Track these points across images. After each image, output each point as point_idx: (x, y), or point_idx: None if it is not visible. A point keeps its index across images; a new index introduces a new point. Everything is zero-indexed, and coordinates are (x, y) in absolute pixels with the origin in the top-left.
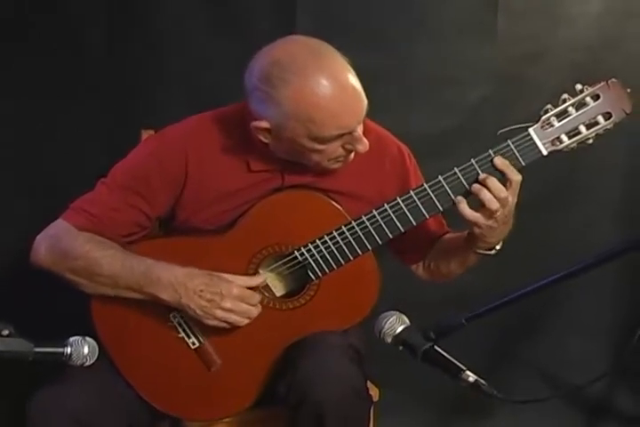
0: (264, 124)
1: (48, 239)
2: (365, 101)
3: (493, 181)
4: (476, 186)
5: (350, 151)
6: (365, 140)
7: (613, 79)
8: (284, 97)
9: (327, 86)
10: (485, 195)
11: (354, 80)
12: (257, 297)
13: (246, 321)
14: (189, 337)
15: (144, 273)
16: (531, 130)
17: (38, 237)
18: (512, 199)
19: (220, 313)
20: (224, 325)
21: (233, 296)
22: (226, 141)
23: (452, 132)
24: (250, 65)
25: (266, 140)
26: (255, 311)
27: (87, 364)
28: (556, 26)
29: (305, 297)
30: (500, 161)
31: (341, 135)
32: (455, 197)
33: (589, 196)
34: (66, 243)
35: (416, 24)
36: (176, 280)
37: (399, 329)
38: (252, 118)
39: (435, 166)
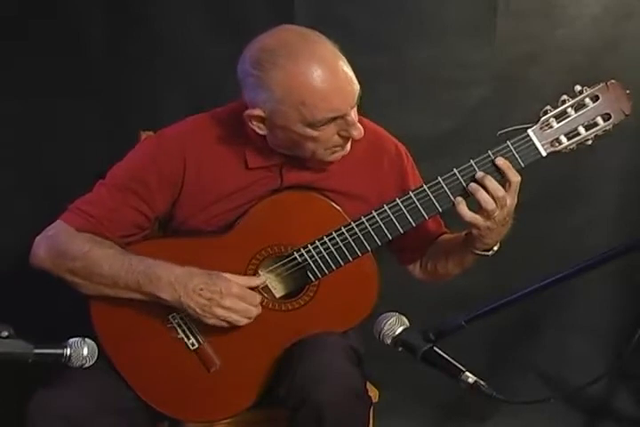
0: (257, 111)
1: (47, 240)
2: (357, 86)
3: (491, 180)
4: (472, 185)
5: (346, 139)
6: (359, 125)
7: (612, 80)
8: (275, 81)
9: (317, 69)
10: (482, 195)
11: (344, 64)
12: (257, 297)
13: (246, 321)
14: (189, 338)
15: (144, 272)
16: (530, 131)
17: (37, 238)
18: (511, 201)
19: (220, 311)
20: (223, 324)
21: (233, 295)
22: (223, 140)
23: (452, 133)
24: (242, 54)
25: (261, 132)
26: (255, 311)
27: (87, 365)
28: (554, 27)
29: (304, 298)
30: (501, 161)
31: (334, 119)
32: (454, 197)
33: (589, 197)
34: (64, 244)
35: (416, 25)
36: (176, 279)
37: (399, 330)
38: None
39: (434, 167)
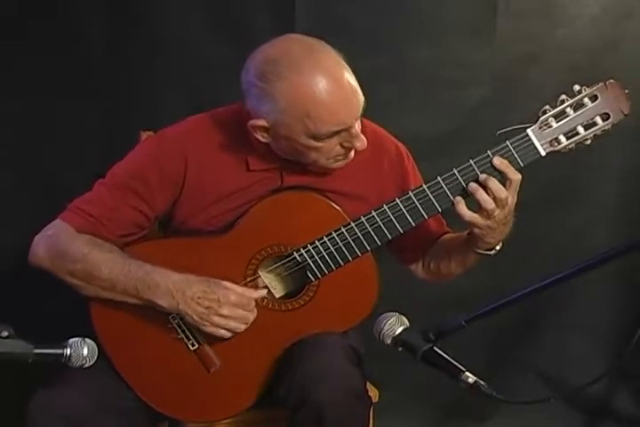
0: (261, 122)
1: (46, 240)
2: (362, 97)
3: (494, 182)
4: (472, 185)
5: (349, 149)
6: (363, 136)
7: (611, 80)
8: (280, 92)
9: (322, 81)
10: (481, 195)
11: (349, 76)
12: (252, 302)
13: (244, 327)
14: (189, 338)
15: (142, 279)
16: (529, 131)
17: (36, 237)
18: (511, 199)
19: (217, 320)
20: (222, 331)
21: (231, 303)
22: (224, 141)
23: (451, 133)
24: (246, 64)
25: (264, 140)
26: (252, 316)
27: (87, 365)
28: (554, 27)
29: (304, 298)
30: (498, 161)
31: (338, 132)
32: (454, 197)
33: (588, 197)
34: (64, 245)
35: (415, 25)
36: (174, 287)
37: (399, 330)
38: (250, 118)
39: (434, 167)
